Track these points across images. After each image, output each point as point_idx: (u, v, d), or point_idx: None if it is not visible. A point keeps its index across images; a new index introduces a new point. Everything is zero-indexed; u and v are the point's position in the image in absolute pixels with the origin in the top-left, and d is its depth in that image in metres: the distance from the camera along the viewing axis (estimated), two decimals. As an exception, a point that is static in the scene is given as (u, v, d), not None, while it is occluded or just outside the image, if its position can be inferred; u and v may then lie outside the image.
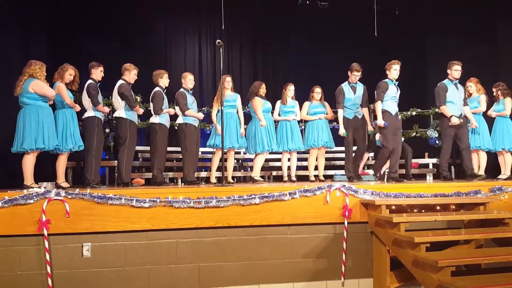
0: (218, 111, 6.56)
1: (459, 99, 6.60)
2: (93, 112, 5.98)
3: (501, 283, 3.85)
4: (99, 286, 4.77)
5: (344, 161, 7.01)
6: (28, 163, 5.32)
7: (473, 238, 4.71)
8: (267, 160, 8.44)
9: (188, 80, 6.70)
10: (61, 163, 5.78)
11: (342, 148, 8.09)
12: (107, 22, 9.18)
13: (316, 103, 7.16)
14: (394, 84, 6.45)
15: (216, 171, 6.80)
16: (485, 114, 7.14)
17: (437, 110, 8.67)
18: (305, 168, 7.46)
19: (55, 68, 5.88)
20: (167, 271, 4.91)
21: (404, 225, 4.57)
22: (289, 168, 7.24)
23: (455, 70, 6.59)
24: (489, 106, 7.17)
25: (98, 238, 4.78)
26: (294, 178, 7.13)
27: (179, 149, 7.01)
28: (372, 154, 8.23)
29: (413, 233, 4.51)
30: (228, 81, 6.72)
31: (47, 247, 4.59)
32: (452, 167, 8.38)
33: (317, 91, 7.19)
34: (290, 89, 7.08)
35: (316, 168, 7.22)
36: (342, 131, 6.77)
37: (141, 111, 6.40)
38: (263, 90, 6.90)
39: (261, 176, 7.12)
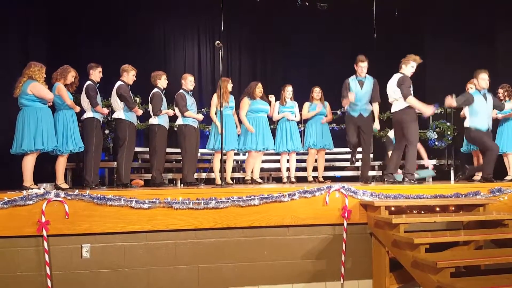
0: (216, 113, 6.57)
1: (487, 111, 6.19)
2: (92, 113, 5.98)
3: (501, 284, 3.85)
4: (98, 287, 4.76)
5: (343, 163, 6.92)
6: (28, 164, 5.33)
7: (472, 239, 4.71)
8: (267, 161, 8.46)
9: (188, 82, 6.70)
10: (61, 164, 5.78)
11: (342, 149, 8.12)
12: (107, 23, 9.18)
13: (316, 103, 7.17)
14: None
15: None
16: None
17: (437, 111, 8.70)
18: (305, 169, 7.44)
19: (54, 69, 5.88)
20: (166, 272, 4.90)
21: (403, 226, 4.57)
22: (288, 169, 7.24)
23: (482, 79, 6.20)
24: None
25: (98, 239, 4.78)
26: (293, 179, 7.13)
27: (178, 150, 7.01)
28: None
29: (413, 234, 4.52)
30: (229, 84, 6.74)
31: (46, 248, 4.59)
32: (451, 168, 8.39)
33: (317, 91, 7.19)
34: (288, 90, 7.08)
35: (316, 169, 7.22)
36: (350, 97, 6.36)
37: (140, 112, 6.41)
38: (259, 90, 6.86)
39: (260, 177, 7.13)
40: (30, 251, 4.63)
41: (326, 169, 7.60)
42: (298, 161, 7.59)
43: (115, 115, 6.25)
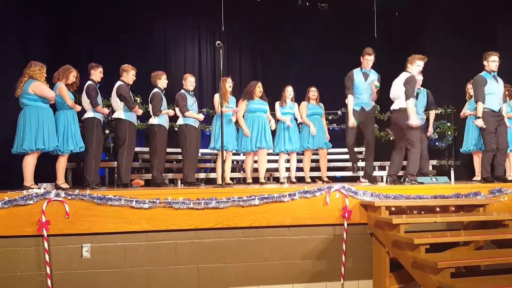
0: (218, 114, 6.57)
1: (499, 92, 6.23)
2: (93, 113, 5.99)
3: (501, 285, 3.84)
4: (99, 287, 4.76)
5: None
6: (28, 164, 5.33)
7: (472, 239, 4.71)
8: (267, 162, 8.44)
9: (189, 82, 6.71)
10: (61, 164, 5.78)
11: (342, 150, 8.11)
12: (107, 23, 9.18)
13: (313, 103, 7.17)
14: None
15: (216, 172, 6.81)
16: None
17: (436, 111, 8.70)
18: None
19: (54, 69, 5.88)
20: (166, 272, 4.90)
21: (403, 226, 4.57)
22: (288, 169, 7.23)
23: (492, 61, 6.20)
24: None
25: (98, 239, 4.78)
26: (294, 180, 7.12)
27: (179, 150, 7.01)
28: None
29: (413, 234, 4.51)
30: (230, 84, 6.72)
31: (46, 248, 4.59)
32: (452, 168, 8.39)
33: (313, 91, 7.18)
34: (289, 91, 7.06)
35: (313, 169, 7.21)
36: (351, 121, 6.42)
37: (140, 112, 6.42)
38: (259, 89, 6.85)
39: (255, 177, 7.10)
40: (30, 251, 4.64)
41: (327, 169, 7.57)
42: (297, 161, 7.58)
43: (115, 115, 6.25)
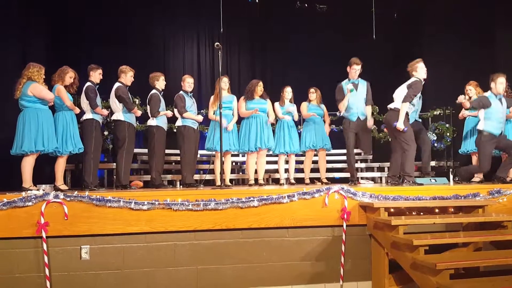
0: (214, 113, 6.55)
1: (502, 116, 6.16)
2: (91, 114, 5.99)
3: (500, 286, 3.85)
4: (97, 288, 4.76)
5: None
6: (27, 166, 5.33)
7: (471, 241, 4.71)
8: (266, 162, 8.43)
9: (187, 83, 6.69)
10: (60, 166, 5.78)
11: (341, 151, 8.10)
12: (106, 24, 9.19)
13: (313, 104, 7.17)
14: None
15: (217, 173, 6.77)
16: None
17: (435, 112, 8.70)
18: (303, 170, 7.43)
19: (53, 70, 5.88)
20: (165, 273, 4.90)
21: (402, 227, 4.57)
22: (287, 170, 7.21)
23: (500, 84, 6.10)
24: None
25: (97, 241, 4.78)
26: (293, 181, 7.11)
27: (177, 151, 6.99)
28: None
29: (412, 236, 4.51)
30: (224, 82, 6.62)
31: (45, 249, 4.58)
32: (451, 170, 8.39)
33: (312, 92, 7.19)
34: (287, 91, 7.05)
35: (313, 171, 7.20)
36: (349, 88, 6.44)
37: (139, 113, 6.42)
38: (259, 88, 6.81)
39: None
40: (29, 252, 4.63)
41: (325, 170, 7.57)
42: (296, 162, 7.58)
43: (114, 117, 6.25)
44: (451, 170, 7.58)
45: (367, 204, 5.11)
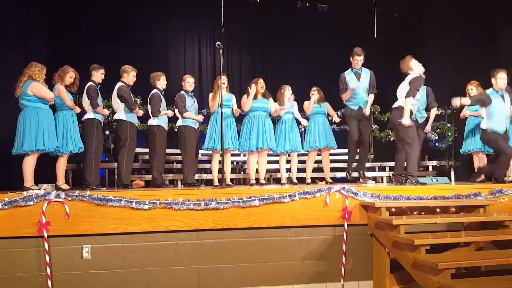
0: (214, 112, 6.55)
1: (505, 112, 6.06)
2: (93, 114, 5.99)
3: (501, 286, 3.84)
4: (99, 288, 4.77)
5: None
6: (28, 165, 5.34)
7: (473, 240, 4.70)
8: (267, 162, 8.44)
9: (187, 83, 6.70)
10: (61, 165, 5.79)
11: (343, 150, 8.10)
12: (107, 24, 9.19)
13: (315, 103, 7.17)
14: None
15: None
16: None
17: (437, 112, 8.69)
18: (305, 170, 7.43)
19: (54, 70, 5.89)
20: (166, 273, 4.90)
21: (404, 227, 4.56)
22: (289, 170, 7.20)
23: (501, 79, 6.02)
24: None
25: (98, 240, 4.78)
26: (295, 180, 7.10)
27: (178, 151, 7.01)
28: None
29: (413, 235, 4.51)
30: (223, 81, 6.63)
31: (46, 248, 4.59)
32: (452, 169, 8.39)
33: (313, 91, 7.19)
34: (287, 90, 7.05)
35: (315, 170, 7.19)
36: (351, 85, 6.48)
37: (140, 113, 6.43)
38: (260, 85, 6.76)
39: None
40: (31, 252, 4.63)
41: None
42: (298, 162, 7.57)
43: (116, 116, 6.26)
44: (452, 169, 7.56)
45: (368, 204, 5.11)
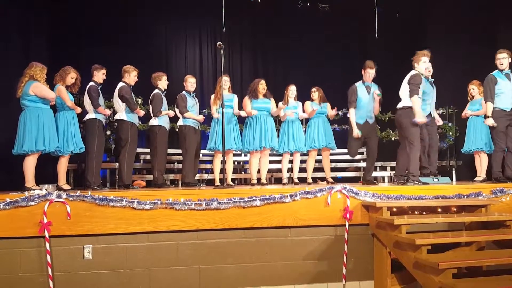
0: (216, 110, 6.54)
1: (511, 91, 6.22)
2: (94, 114, 6.00)
3: (502, 285, 3.83)
4: (100, 288, 4.77)
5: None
6: (29, 165, 5.34)
7: (474, 240, 4.69)
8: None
9: (189, 83, 6.72)
10: (62, 165, 5.79)
11: (344, 150, 8.09)
12: (108, 24, 9.20)
13: (316, 103, 7.17)
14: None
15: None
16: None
17: (438, 112, 8.68)
18: (306, 170, 7.43)
19: (55, 70, 5.89)
20: (168, 273, 4.91)
21: (405, 227, 4.56)
22: (290, 170, 7.20)
23: (502, 59, 6.23)
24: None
25: (99, 240, 4.78)
26: (296, 180, 7.09)
27: (179, 151, 7.00)
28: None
29: (414, 235, 4.51)
30: (225, 81, 6.57)
31: (48, 249, 4.59)
32: (453, 170, 8.39)
33: (314, 91, 7.18)
34: (292, 89, 7.04)
35: (316, 170, 7.18)
36: (356, 132, 6.44)
37: (142, 113, 6.43)
38: (262, 86, 6.77)
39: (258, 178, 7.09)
40: (32, 252, 4.64)
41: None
42: (299, 161, 7.55)
43: (117, 116, 6.26)
44: (454, 169, 7.55)
45: (370, 204, 5.10)
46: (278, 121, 7.59)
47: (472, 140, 7.06)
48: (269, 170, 8.57)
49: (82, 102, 6.17)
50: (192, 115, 6.59)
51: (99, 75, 6.16)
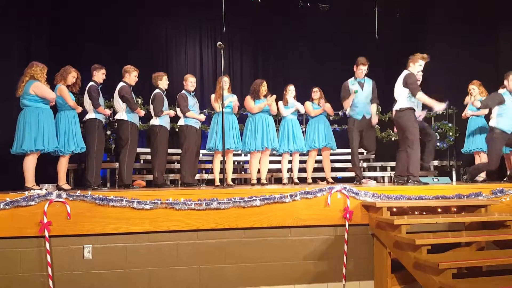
0: (216, 113, 6.55)
1: None
2: (94, 114, 6.00)
3: (502, 286, 3.84)
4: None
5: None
6: (29, 165, 5.34)
7: (474, 240, 4.69)
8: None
9: (189, 83, 6.72)
10: (63, 165, 5.79)
11: (344, 150, 8.09)
12: (108, 24, 9.20)
13: (316, 103, 7.17)
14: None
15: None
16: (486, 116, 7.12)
17: (442, 111, 8.69)
18: (306, 170, 7.43)
19: (55, 70, 5.89)
20: (168, 273, 4.90)
21: (405, 227, 4.56)
22: (290, 170, 7.20)
23: None
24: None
25: (99, 240, 4.78)
26: (296, 180, 7.10)
27: (180, 151, 7.01)
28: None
29: (414, 235, 4.51)
30: (225, 82, 6.58)
31: (48, 248, 4.59)
32: (453, 170, 8.37)
33: (314, 92, 7.19)
34: (290, 89, 7.05)
35: (315, 170, 7.18)
36: (352, 92, 6.44)
37: (142, 113, 6.43)
38: (263, 88, 6.79)
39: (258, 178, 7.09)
40: (32, 251, 4.64)
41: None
42: (299, 161, 7.55)
43: (117, 116, 6.26)
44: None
45: (370, 204, 5.11)
46: (278, 121, 7.60)
47: (472, 140, 7.07)
48: (269, 170, 8.56)
49: (82, 102, 6.17)
50: (194, 115, 6.59)
51: (99, 75, 6.16)
